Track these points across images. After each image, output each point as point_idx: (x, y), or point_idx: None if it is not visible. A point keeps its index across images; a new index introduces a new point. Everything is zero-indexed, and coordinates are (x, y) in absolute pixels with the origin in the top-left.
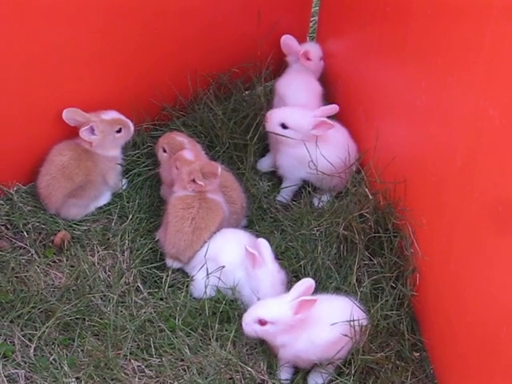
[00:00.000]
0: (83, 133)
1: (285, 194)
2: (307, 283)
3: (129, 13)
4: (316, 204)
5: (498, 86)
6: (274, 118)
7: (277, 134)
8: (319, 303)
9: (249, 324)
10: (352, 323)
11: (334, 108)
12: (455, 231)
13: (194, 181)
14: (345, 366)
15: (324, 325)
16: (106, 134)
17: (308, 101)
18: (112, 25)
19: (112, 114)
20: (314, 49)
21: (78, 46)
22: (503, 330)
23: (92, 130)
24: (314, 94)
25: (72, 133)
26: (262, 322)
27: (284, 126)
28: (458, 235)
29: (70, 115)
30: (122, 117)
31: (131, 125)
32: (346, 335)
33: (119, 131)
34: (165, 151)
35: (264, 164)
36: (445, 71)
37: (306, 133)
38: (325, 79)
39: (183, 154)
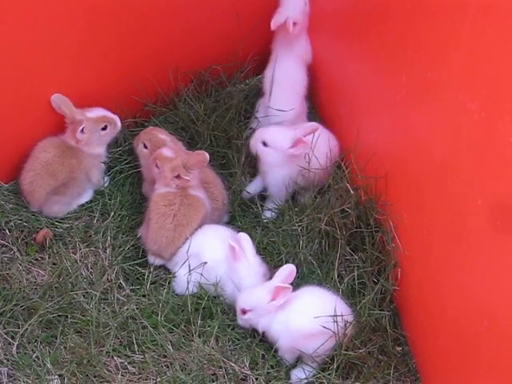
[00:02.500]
0: (78, 135)
1: (271, 212)
2: (288, 268)
3: (111, 9)
4: (302, 201)
5: (477, 80)
6: (257, 135)
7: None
8: (303, 293)
9: (239, 316)
10: (335, 318)
11: (314, 126)
12: (435, 226)
13: (178, 177)
14: (328, 362)
15: (302, 313)
16: (92, 132)
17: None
18: (94, 21)
19: (97, 112)
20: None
21: (61, 43)
22: (484, 323)
23: (83, 130)
24: (300, 91)
25: (55, 130)
26: (244, 311)
27: (265, 144)
28: (438, 230)
29: (57, 101)
30: (108, 113)
31: (118, 121)
32: (325, 327)
33: (104, 128)
34: (145, 147)
35: (252, 188)
36: (424, 66)
37: (284, 151)
38: (307, 76)
39: (162, 152)
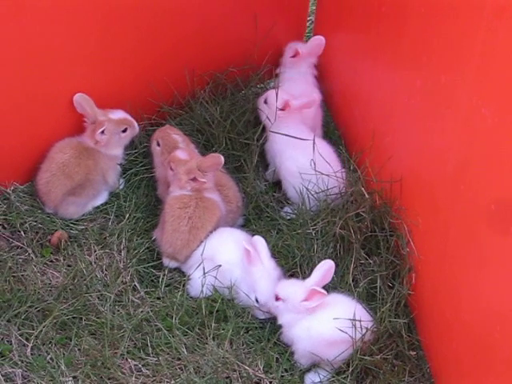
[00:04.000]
0: (98, 135)
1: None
2: (327, 264)
3: (127, 12)
4: (284, 216)
5: (490, 85)
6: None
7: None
8: (333, 301)
9: (270, 298)
10: (355, 328)
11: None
12: (450, 230)
13: (194, 179)
14: (343, 366)
15: (325, 321)
16: (113, 134)
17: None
18: (110, 24)
19: (119, 114)
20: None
21: (77, 45)
22: (497, 328)
23: (103, 131)
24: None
25: (72, 131)
26: (277, 298)
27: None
28: (452, 234)
29: (80, 101)
30: (128, 116)
31: (136, 125)
32: (349, 335)
33: (125, 131)
34: (158, 145)
35: (270, 175)
36: (438, 71)
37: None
38: (322, 80)
39: (177, 155)
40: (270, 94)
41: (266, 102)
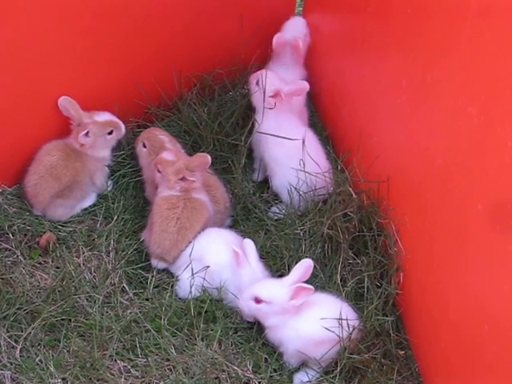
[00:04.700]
0: (81, 138)
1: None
2: (306, 264)
3: (114, 13)
4: (272, 216)
5: (476, 84)
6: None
7: None
8: (318, 300)
9: (245, 299)
10: (343, 324)
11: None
12: (437, 229)
13: (183, 179)
14: (331, 366)
15: (313, 321)
16: (98, 136)
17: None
18: (97, 25)
19: (105, 116)
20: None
21: (64, 47)
22: (485, 327)
23: (87, 133)
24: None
25: (59, 133)
26: (258, 300)
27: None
28: (440, 233)
29: (64, 104)
30: (114, 118)
31: (122, 126)
32: (336, 334)
33: (110, 133)
34: (144, 146)
35: (256, 176)
36: (424, 70)
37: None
38: (310, 80)
39: (163, 156)
40: (263, 77)
41: (257, 83)
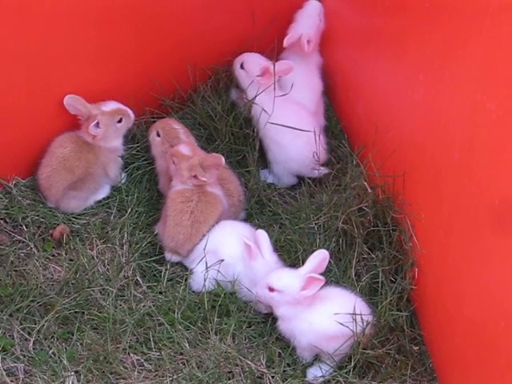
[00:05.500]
0: (92, 128)
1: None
2: (321, 255)
3: (129, 7)
4: (263, 178)
5: (495, 79)
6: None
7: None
8: (332, 295)
9: (261, 287)
10: (356, 322)
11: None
12: (453, 225)
13: (195, 177)
14: (345, 361)
15: (327, 315)
16: (109, 126)
17: (310, 99)
18: (112, 18)
19: (111, 105)
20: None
21: (79, 40)
22: (501, 324)
23: (97, 124)
24: (316, 92)
25: (72, 125)
26: (271, 289)
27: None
28: (455, 229)
29: (71, 102)
30: (121, 106)
31: (131, 113)
32: (350, 329)
33: (120, 121)
34: (158, 135)
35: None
36: (442, 65)
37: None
38: (325, 74)
39: (180, 150)
40: (247, 59)
41: (242, 67)
